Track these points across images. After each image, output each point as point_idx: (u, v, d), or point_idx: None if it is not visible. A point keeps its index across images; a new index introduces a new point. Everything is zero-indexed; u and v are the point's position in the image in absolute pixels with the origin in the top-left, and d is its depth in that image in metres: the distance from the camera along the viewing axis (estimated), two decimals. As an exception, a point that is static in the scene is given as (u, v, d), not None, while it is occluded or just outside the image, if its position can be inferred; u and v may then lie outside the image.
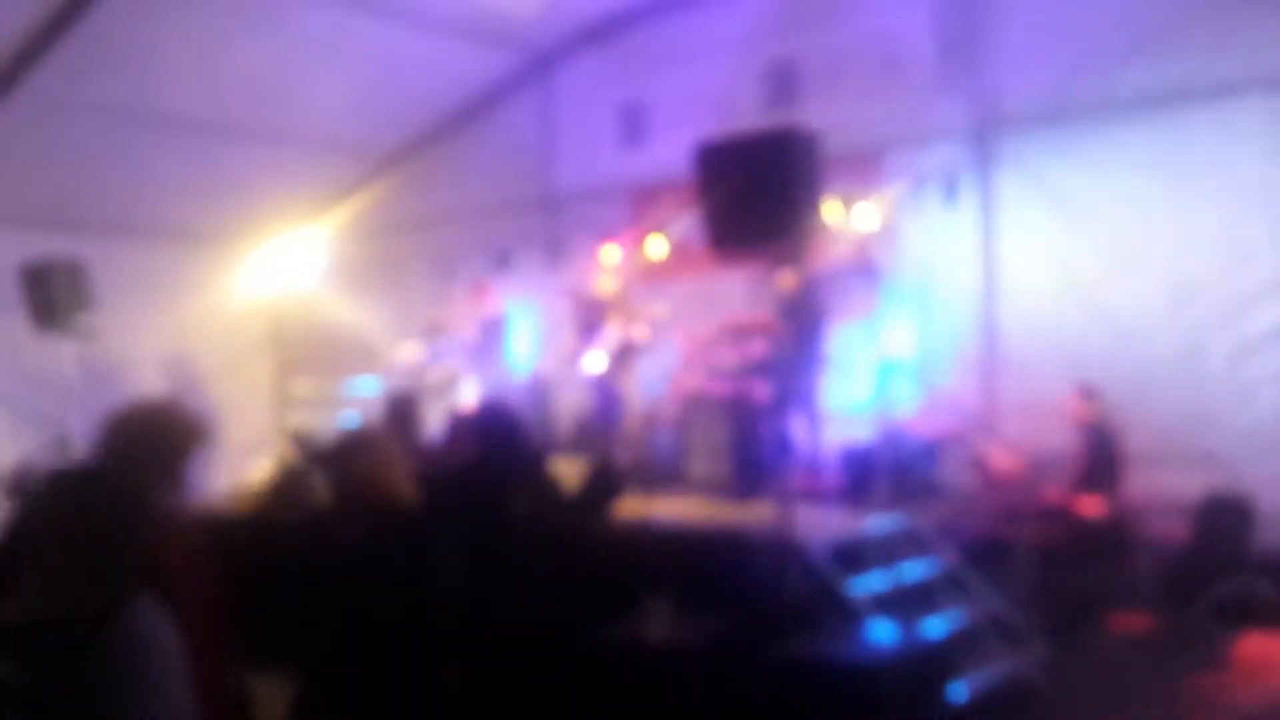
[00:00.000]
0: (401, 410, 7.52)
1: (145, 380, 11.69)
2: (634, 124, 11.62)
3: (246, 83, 10.62)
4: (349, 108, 11.51)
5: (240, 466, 11.31)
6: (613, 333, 8.93)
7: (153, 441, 2.99)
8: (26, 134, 10.10)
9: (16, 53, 9.36)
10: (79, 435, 9.41)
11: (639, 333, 9.04)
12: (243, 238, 12.60)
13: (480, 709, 5.91)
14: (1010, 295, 9.36)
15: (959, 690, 5.85)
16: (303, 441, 8.81)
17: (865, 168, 9.47)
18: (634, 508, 7.88)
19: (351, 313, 11.61)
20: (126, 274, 11.51)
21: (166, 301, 12.04)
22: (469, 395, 9.95)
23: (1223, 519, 8.11)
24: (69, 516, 2.17)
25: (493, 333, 10.06)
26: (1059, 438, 8.74)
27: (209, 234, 12.45)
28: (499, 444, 6.55)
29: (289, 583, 3.79)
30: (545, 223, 12.05)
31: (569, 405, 10.48)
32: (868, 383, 8.51)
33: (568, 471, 7.20)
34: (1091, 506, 8.16)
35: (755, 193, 6.29)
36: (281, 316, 13.12)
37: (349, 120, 11.81)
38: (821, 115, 9.39)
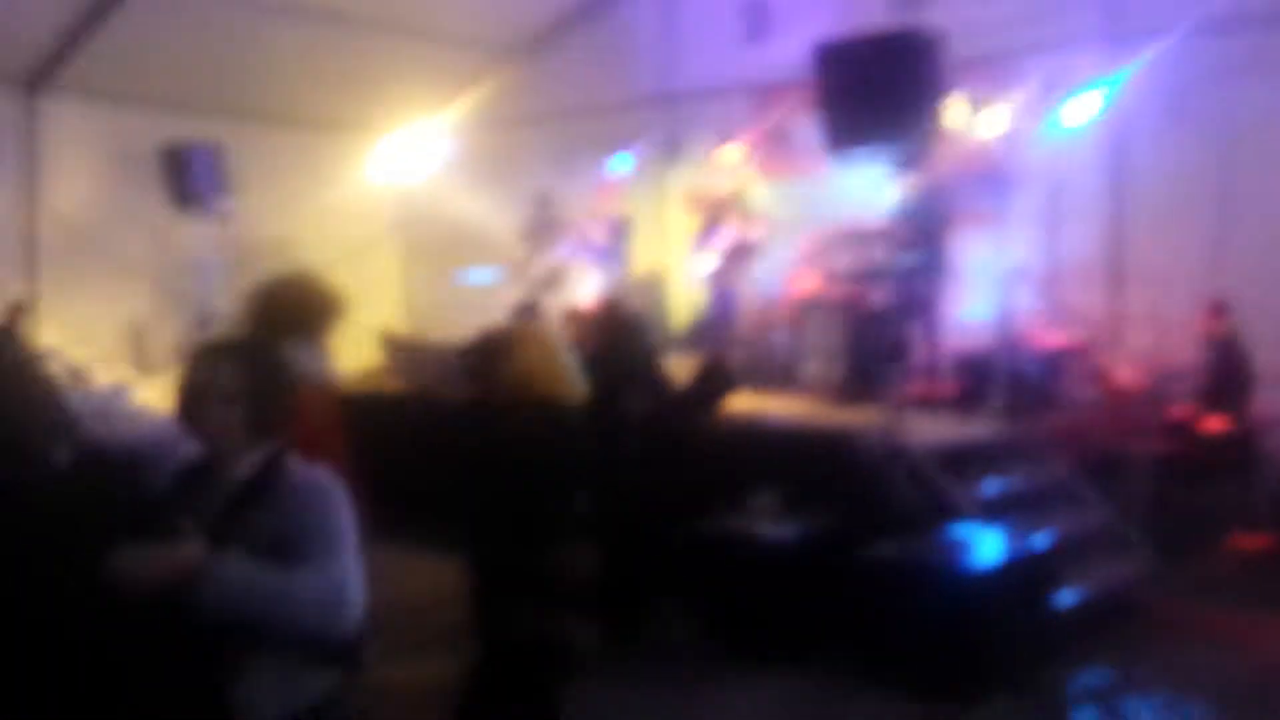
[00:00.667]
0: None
1: (279, 262, 12.09)
2: (756, 21, 11.35)
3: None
4: (475, 1, 11.50)
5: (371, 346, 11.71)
6: (729, 233, 8.88)
7: (296, 313, 3.13)
8: (164, 19, 10.33)
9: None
10: (220, 311, 9.81)
11: (755, 233, 8.97)
12: (372, 127, 12.79)
13: (596, 592, 6.14)
14: (1139, 206, 9.01)
15: (1063, 599, 5.82)
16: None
17: (994, 72, 9.13)
18: (746, 406, 7.94)
19: (473, 203, 11.72)
20: (261, 159, 11.80)
21: (299, 186, 12.33)
22: (589, 291, 10.04)
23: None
24: (231, 380, 2.38)
25: (616, 231, 10.08)
26: (1186, 352, 8.48)
27: (339, 122, 12.65)
28: (615, 341, 6.69)
29: (443, 462, 3.87)
30: (665, 120, 11.93)
31: (686, 303, 10.51)
32: (989, 291, 8.32)
33: (681, 369, 7.32)
34: (1217, 423, 7.92)
35: (876, 95, 6.17)
36: (408, 204, 13.36)
37: (474, 14, 11.80)
38: (950, 17, 9.11)
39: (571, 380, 3.79)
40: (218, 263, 10.55)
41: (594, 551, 3.69)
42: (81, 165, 11.34)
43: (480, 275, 11.09)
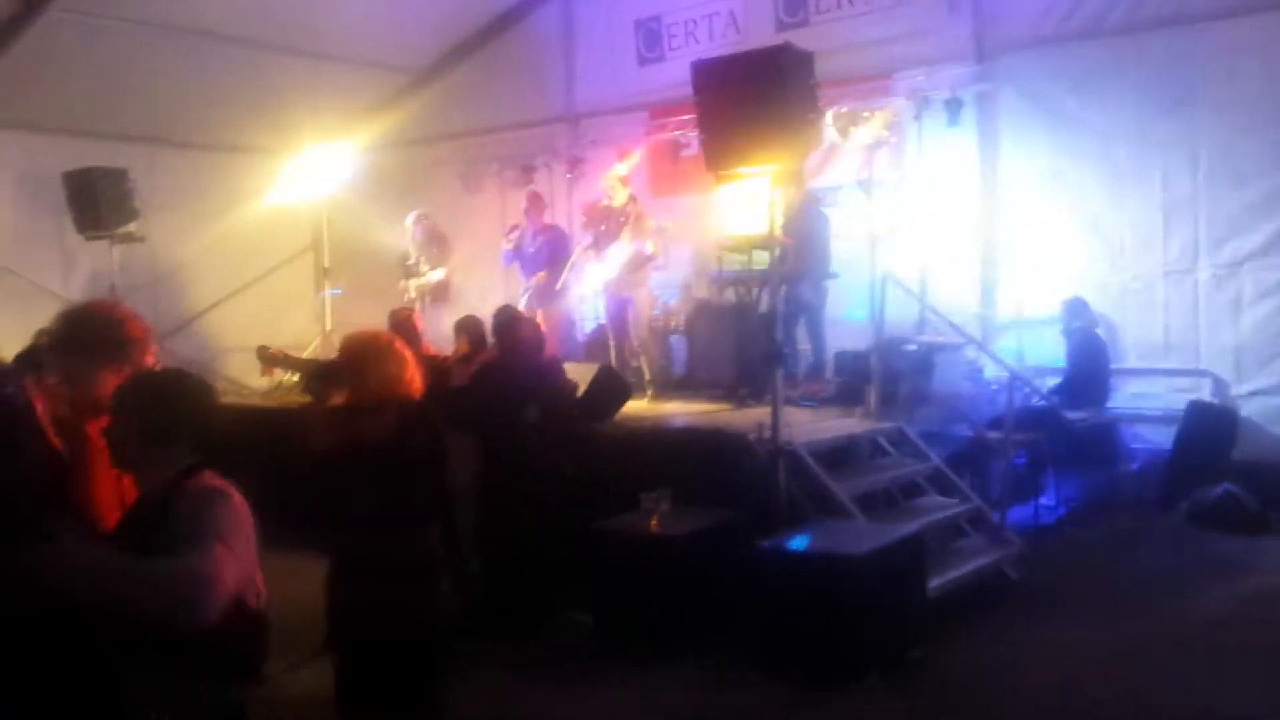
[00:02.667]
0: (403, 321, 7.82)
1: (189, 282, 11.95)
2: (651, 42, 11.52)
3: (281, 3, 10.63)
4: (381, 26, 11.49)
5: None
6: (625, 244, 8.98)
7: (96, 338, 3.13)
8: (69, 45, 10.15)
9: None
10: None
11: (651, 244, 9.09)
12: (280, 149, 12.67)
13: (495, 590, 6.19)
14: (1007, 212, 9.34)
15: (933, 583, 6.00)
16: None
17: (871, 87, 9.40)
18: (642, 409, 8.06)
19: (381, 221, 11.67)
20: (169, 182, 11.67)
21: (207, 209, 12.16)
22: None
23: (1206, 428, 8.19)
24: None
25: (538, 243, 10.09)
26: (1051, 348, 8.81)
27: (247, 145, 12.51)
28: (512, 351, 6.77)
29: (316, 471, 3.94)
30: (566, 138, 12.04)
31: (585, 313, 10.60)
32: (868, 294, 8.55)
33: (579, 377, 7.41)
34: (1076, 414, 8.23)
35: (751, 112, 6.26)
36: (317, 225, 13.25)
37: (379, 37, 11.78)
38: (831, 36, 9.37)
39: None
40: (125, 286, 10.37)
41: (451, 536, 3.83)
42: (-14, 193, 11.07)
43: (336, 291, 11.29)
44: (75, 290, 11.45)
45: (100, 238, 10.40)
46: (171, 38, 10.63)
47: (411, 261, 10.76)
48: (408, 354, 3.94)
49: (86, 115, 11.20)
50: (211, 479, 2.56)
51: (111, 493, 2.87)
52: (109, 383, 2.84)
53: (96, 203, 10.22)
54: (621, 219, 9.10)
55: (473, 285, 11.19)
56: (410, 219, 10.86)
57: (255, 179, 12.03)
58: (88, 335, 3.10)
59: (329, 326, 11.20)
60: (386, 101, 12.86)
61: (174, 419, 2.58)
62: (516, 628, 5.98)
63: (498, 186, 12.25)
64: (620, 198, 9.21)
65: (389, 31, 11.72)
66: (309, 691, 4.87)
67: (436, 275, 10.64)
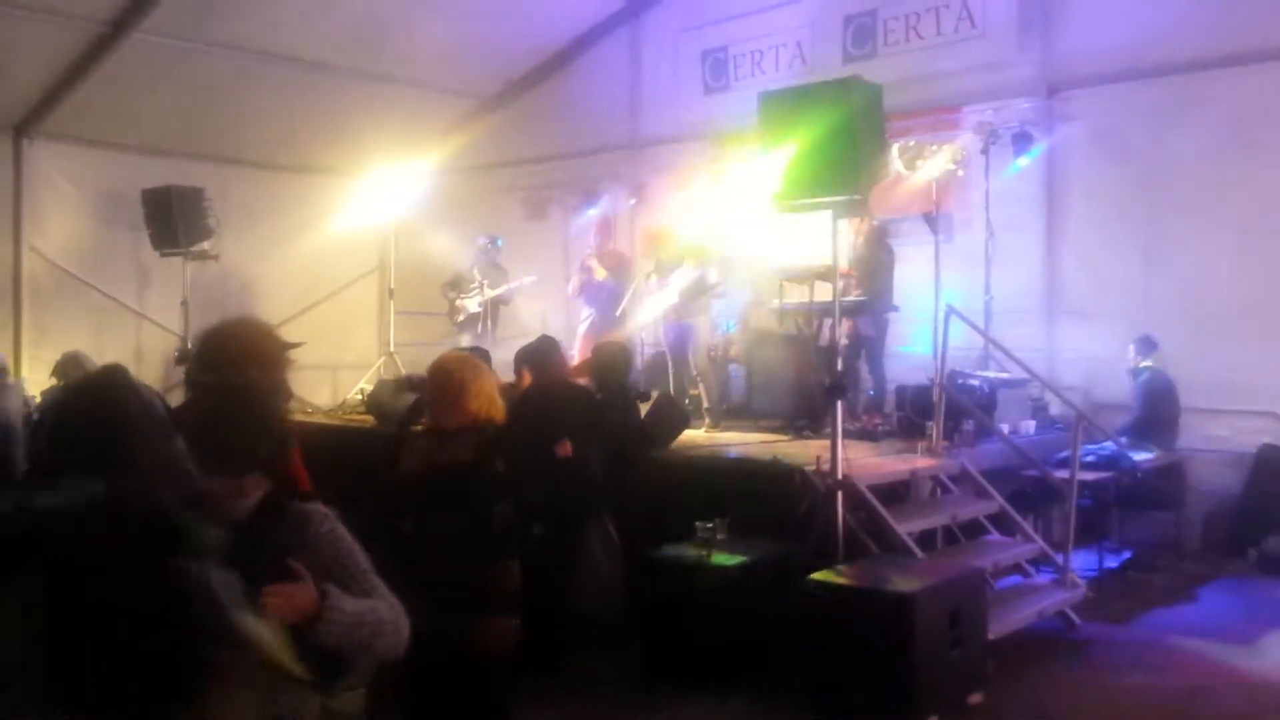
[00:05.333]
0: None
1: (258, 299, 12.09)
2: (717, 72, 11.48)
3: (357, 27, 10.76)
4: (452, 53, 11.58)
5: (348, 381, 11.69)
6: (687, 271, 8.90)
7: (240, 354, 3.13)
8: (149, 68, 10.35)
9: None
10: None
11: (712, 272, 9.01)
12: (350, 171, 12.81)
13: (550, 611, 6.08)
14: (1075, 247, 9.12)
15: (995, 625, 5.81)
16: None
17: (938, 120, 9.27)
18: (698, 439, 7.96)
19: (447, 244, 11.74)
20: (242, 202, 11.83)
21: (279, 228, 12.32)
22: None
23: (1278, 472, 7.91)
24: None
25: (602, 291, 10.05)
26: (1117, 386, 8.56)
27: (319, 167, 12.67)
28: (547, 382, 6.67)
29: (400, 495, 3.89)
30: (630, 166, 12.01)
31: (646, 341, 10.51)
32: (930, 328, 8.38)
33: (639, 405, 7.32)
34: (1143, 455, 7.97)
35: (817, 143, 6.16)
36: (385, 246, 13.37)
37: (451, 63, 11.87)
38: (899, 69, 9.25)
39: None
40: (197, 303, 10.52)
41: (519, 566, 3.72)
42: (67, 208, 11.31)
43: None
44: (148, 305, 11.67)
45: (175, 254, 10.55)
46: (248, 61, 10.80)
47: (474, 284, 10.79)
48: (492, 379, 3.89)
49: (165, 135, 11.42)
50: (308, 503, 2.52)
51: None
52: None
53: (173, 220, 10.37)
54: (684, 247, 9.04)
55: (533, 310, 11.17)
56: (482, 240, 10.93)
57: (324, 199, 12.18)
58: None
59: (392, 347, 11.28)
60: (453, 126, 12.94)
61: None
62: (559, 657, 5.86)
63: (560, 213, 12.25)
64: (681, 227, 9.15)
65: (459, 58, 11.80)
66: (353, 710, 4.83)
67: (496, 292, 10.70)
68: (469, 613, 3.48)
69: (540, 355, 6.64)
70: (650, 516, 6.45)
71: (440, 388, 3.81)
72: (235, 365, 3.11)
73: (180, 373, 9.04)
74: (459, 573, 3.50)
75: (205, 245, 10.61)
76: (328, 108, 11.65)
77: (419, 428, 4.07)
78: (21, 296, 10.96)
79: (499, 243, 11.27)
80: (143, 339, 11.71)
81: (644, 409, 7.29)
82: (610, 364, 7.06)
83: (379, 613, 2.35)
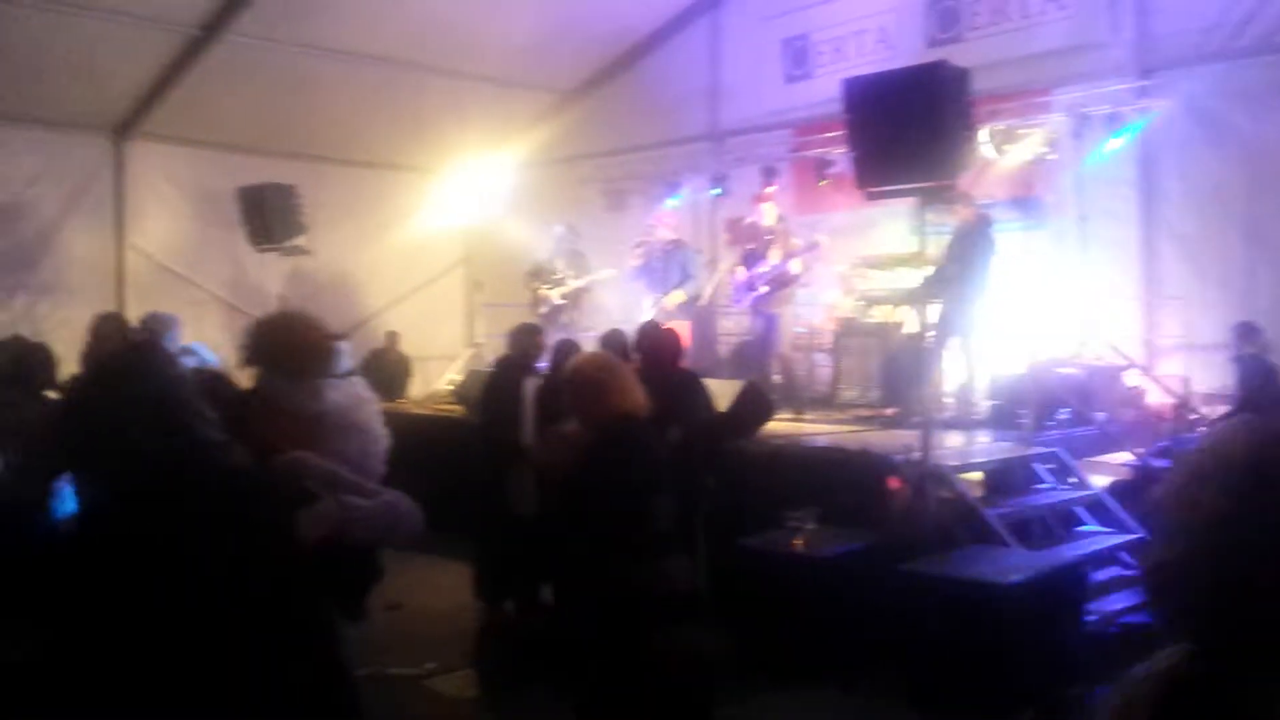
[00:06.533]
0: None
1: (349, 293, 12.32)
2: (798, 60, 11.36)
3: (439, 25, 10.88)
4: (531, 48, 11.65)
5: (434, 372, 11.86)
6: (772, 261, 8.85)
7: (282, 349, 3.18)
8: (241, 69, 10.61)
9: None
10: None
11: (797, 263, 8.94)
12: (436, 167, 12.98)
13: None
14: (1171, 230, 8.84)
15: (1092, 616, 5.67)
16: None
17: (1028, 103, 9.05)
18: (786, 428, 7.90)
19: (530, 237, 11.83)
20: (331, 199, 12.05)
21: (367, 224, 12.54)
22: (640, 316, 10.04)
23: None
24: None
25: (667, 259, 10.04)
26: (1217, 374, 8.28)
27: (405, 163, 12.87)
28: (654, 365, 6.66)
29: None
30: (712, 156, 11.95)
31: (730, 330, 10.48)
32: (1024, 315, 8.21)
33: (721, 393, 7.28)
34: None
35: (904, 129, 6.05)
36: (471, 240, 13.52)
37: (531, 59, 11.93)
38: (986, 52, 9.05)
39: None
40: (292, 296, 10.74)
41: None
42: (166, 206, 11.65)
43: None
44: (243, 300, 11.95)
45: (270, 250, 10.78)
46: (335, 61, 10.99)
47: (557, 274, 10.84)
48: (632, 376, 3.81)
49: (257, 134, 11.68)
50: None
51: None
52: None
53: (267, 217, 10.58)
54: (769, 237, 8.98)
55: (614, 301, 11.18)
56: (559, 229, 10.95)
57: (411, 195, 12.36)
58: None
59: (479, 338, 11.40)
60: (534, 120, 13.02)
61: None
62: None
63: (641, 204, 12.26)
64: (770, 216, 9.09)
65: (539, 53, 11.86)
66: (460, 693, 4.94)
67: (580, 283, 10.70)
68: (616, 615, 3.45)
69: (651, 340, 6.67)
70: (734, 505, 6.41)
71: (581, 388, 3.72)
72: (283, 355, 3.17)
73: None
74: (602, 577, 3.48)
75: (299, 240, 10.82)
76: (412, 105, 11.80)
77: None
78: (125, 292, 11.33)
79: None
80: (239, 332, 11.98)
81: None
82: (660, 344, 6.94)
83: (395, 503, 2.57)
